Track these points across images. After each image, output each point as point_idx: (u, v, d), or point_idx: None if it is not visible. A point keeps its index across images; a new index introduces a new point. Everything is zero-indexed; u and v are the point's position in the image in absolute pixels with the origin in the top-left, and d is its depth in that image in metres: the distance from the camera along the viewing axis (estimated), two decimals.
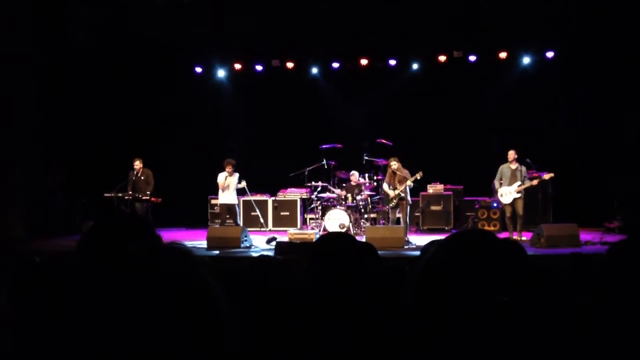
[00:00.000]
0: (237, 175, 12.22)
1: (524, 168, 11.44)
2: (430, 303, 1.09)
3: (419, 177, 11.98)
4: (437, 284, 1.10)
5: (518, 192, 11.38)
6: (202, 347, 1.26)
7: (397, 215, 12.14)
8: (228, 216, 12.60)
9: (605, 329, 1.47)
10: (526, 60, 14.68)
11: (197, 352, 1.26)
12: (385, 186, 12.17)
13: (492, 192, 12.86)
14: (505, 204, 11.60)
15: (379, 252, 2.30)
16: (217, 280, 1.37)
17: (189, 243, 12.10)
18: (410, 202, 12.18)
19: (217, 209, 13.39)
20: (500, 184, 11.64)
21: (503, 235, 12.04)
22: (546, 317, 1.09)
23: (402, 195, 11.97)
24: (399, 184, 11.99)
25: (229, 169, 12.05)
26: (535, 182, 11.37)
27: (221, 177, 12.14)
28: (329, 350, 1.75)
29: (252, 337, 1.83)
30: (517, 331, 1.05)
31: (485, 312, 1.05)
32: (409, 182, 11.90)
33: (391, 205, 12.06)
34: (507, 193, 11.46)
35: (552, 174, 11.63)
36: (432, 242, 2.49)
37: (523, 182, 11.36)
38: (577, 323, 1.71)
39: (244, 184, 12.26)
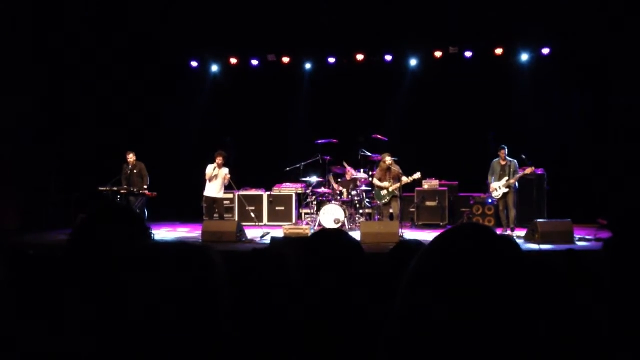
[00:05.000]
0: (226, 169, 12.18)
1: (513, 164, 11.67)
2: (425, 299, 1.08)
3: (416, 178, 12.04)
4: (431, 281, 1.09)
5: (507, 187, 11.56)
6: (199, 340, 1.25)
7: (390, 211, 12.18)
8: (217, 210, 12.53)
9: (604, 324, 1.47)
10: (522, 56, 14.70)
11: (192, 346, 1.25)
12: (376, 182, 12.19)
13: (488, 188, 12.90)
14: (498, 199, 11.85)
15: (373, 247, 2.29)
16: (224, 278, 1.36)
17: (183, 237, 12.08)
18: (398, 196, 12.22)
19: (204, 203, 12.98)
20: (493, 179, 11.83)
21: (498, 230, 12.09)
22: (544, 315, 1.09)
23: (396, 193, 12.04)
24: (392, 180, 12.03)
25: (219, 160, 12.03)
26: (512, 180, 11.56)
27: (210, 169, 12.11)
28: (318, 343, 1.74)
29: (244, 327, 1.83)
30: (514, 330, 1.04)
31: (483, 310, 1.04)
32: (408, 181, 11.94)
33: (384, 201, 12.12)
34: (498, 188, 11.71)
35: (532, 168, 11.78)
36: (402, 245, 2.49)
37: (510, 178, 11.53)
38: (575, 320, 1.70)
39: (228, 176, 12.16)
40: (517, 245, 1.16)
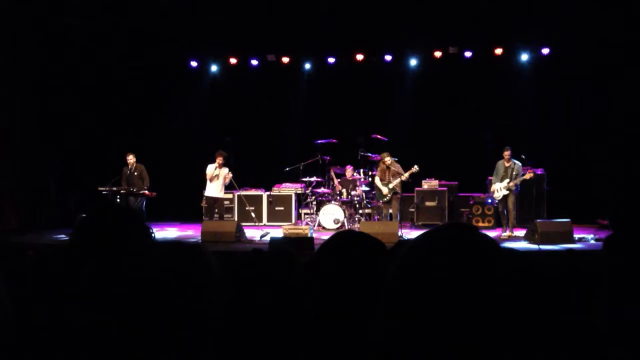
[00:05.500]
0: (226, 169, 12.18)
1: (517, 166, 11.52)
2: (404, 304, 1.09)
3: (414, 171, 12.03)
4: (412, 284, 1.10)
5: (507, 189, 11.49)
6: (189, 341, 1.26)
7: (389, 210, 12.19)
8: (217, 210, 12.52)
9: (604, 324, 1.47)
10: (522, 56, 14.70)
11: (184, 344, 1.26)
12: (377, 181, 12.22)
13: (488, 188, 12.90)
14: (498, 200, 11.70)
15: None
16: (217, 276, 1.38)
17: (182, 236, 12.09)
18: (400, 194, 12.25)
19: (204, 203, 12.64)
20: (495, 179, 11.75)
21: (497, 231, 12.09)
22: (527, 315, 1.09)
23: (397, 190, 12.06)
24: (392, 178, 12.05)
25: (219, 160, 12.02)
26: (512, 184, 11.43)
27: (210, 168, 12.10)
28: (322, 346, 1.75)
29: (244, 328, 1.83)
30: (493, 330, 1.05)
31: (464, 311, 1.04)
32: (406, 176, 11.97)
33: (385, 200, 12.13)
34: (499, 189, 11.59)
35: (532, 173, 11.71)
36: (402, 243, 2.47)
37: (511, 180, 11.46)
38: (571, 319, 1.70)
39: (230, 175, 12.18)
40: (498, 245, 1.16)
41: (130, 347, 1.26)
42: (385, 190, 12.08)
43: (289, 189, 14.54)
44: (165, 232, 12.81)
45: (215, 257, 1.45)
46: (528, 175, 11.60)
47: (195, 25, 14.07)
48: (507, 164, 11.56)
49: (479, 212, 13.51)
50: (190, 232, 12.81)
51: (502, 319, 1.05)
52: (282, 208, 14.50)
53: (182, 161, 14.76)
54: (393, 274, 1.13)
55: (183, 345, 1.28)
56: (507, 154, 11.53)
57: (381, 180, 12.18)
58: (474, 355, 1.02)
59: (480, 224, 13.35)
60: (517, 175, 11.48)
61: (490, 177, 12.12)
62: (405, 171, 12.05)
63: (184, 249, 1.41)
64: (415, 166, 11.99)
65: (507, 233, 11.53)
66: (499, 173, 11.64)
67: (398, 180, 12.00)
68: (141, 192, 12.16)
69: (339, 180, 13.43)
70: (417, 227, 13.65)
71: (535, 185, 13.05)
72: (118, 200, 12.06)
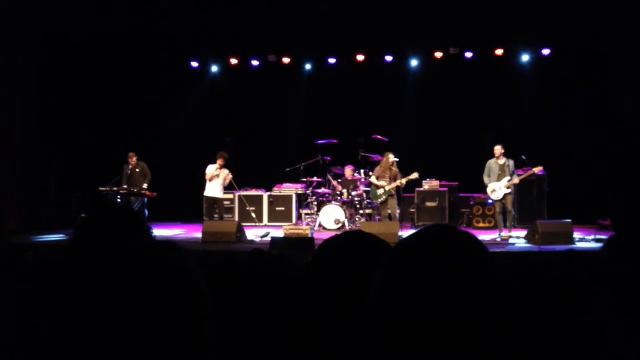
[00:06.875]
0: (226, 170, 12.17)
1: (511, 162, 11.25)
2: (393, 308, 1.08)
3: (413, 178, 12.02)
4: (399, 286, 1.09)
5: (508, 188, 11.19)
6: (184, 340, 1.26)
7: (388, 210, 12.18)
8: (217, 210, 12.52)
9: (605, 325, 1.46)
10: (522, 57, 14.70)
11: (179, 346, 1.25)
12: (373, 179, 12.17)
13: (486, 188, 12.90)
14: (496, 200, 11.34)
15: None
16: (204, 274, 1.37)
17: (184, 237, 12.09)
18: (394, 194, 12.22)
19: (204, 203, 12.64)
20: (490, 179, 11.40)
21: (495, 231, 12.05)
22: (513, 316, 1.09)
23: (392, 192, 12.04)
24: (390, 180, 12.03)
25: (220, 162, 12.02)
26: (516, 180, 11.18)
27: (211, 168, 12.09)
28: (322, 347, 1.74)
29: (243, 330, 1.82)
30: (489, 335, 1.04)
31: (455, 314, 1.04)
32: (403, 182, 11.95)
33: (380, 200, 12.11)
34: (498, 188, 11.23)
35: (540, 167, 11.51)
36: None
37: (512, 177, 11.24)
38: (569, 323, 1.70)
39: (230, 176, 12.19)
40: (484, 245, 1.16)
41: (129, 348, 1.26)
42: (381, 190, 12.06)
43: (289, 189, 14.55)
44: (164, 232, 12.82)
45: (213, 257, 1.44)
46: (536, 169, 11.39)
47: (195, 25, 14.07)
48: (500, 161, 11.19)
49: (480, 213, 13.51)
50: (178, 231, 12.86)
51: (492, 318, 1.04)
52: (283, 208, 14.50)
53: (182, 161, 14.75)
54: (379, 274, 1.13)
55: (179, 346, 1.27)
56: (499, 149, 11.14)
57: (378, 178, 12.13)
58: (466, 355, 1.02)
59: (481, 224, 13.34)
60: (513, 172, 11.31)
61: None
62: (405, 176, 12.00)
63: (163, 247, 1.40)
64: (415, 173, 11.94)
65: (507, 233, 11.44)
66: (494, 172, 11.22)
67: (395, 184, 11.97)
68: (142, 191, 12.16)
69: (338, 180, 13.43)
70: (418, 228, 13.60)
71: (535, 186, 13.04)
72: (119, 200, 12.07)
